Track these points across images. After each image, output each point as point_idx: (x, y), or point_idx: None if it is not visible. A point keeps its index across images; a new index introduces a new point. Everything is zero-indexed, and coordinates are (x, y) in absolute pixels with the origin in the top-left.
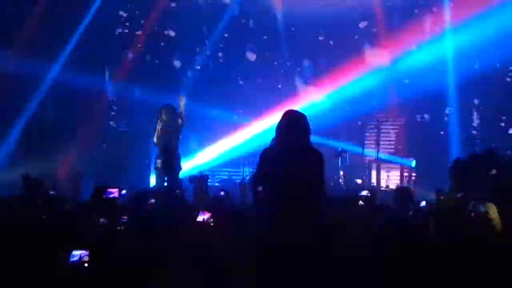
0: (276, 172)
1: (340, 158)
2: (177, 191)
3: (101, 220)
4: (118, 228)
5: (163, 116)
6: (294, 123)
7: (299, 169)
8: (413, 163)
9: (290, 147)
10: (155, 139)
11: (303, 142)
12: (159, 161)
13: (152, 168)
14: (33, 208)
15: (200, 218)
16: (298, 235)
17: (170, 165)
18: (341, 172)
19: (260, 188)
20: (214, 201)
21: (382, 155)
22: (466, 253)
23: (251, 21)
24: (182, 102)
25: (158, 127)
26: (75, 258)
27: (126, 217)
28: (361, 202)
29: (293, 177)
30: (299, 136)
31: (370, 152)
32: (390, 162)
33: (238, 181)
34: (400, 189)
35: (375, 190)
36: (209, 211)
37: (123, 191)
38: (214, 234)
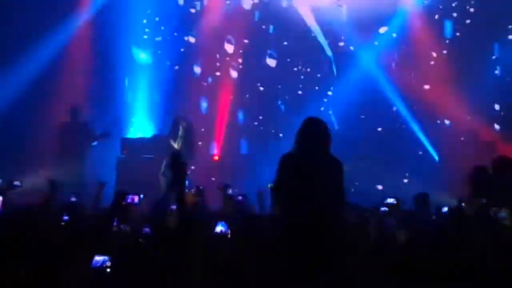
0: (296, 179)
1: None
2: (199, 198)
3: (122, 226)
4: (141, 240)
5: (181, 131)
6: (314, 131)
7: (319, 176)
8: None
9: (310, 154)
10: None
11: (323, 150)
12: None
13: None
14: (55, 213)
15: (218, 229)
16: (319, 243)
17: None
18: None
19: (280, 195)
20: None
21: None
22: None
23: (271, 26)
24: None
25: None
26: (97, 264)
27: (148, 229)
28: (385, 208)
29: (313, 185)
30: (319, 143)
31: None
32: None
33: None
34: (419, 195)
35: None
36: (227, 220)
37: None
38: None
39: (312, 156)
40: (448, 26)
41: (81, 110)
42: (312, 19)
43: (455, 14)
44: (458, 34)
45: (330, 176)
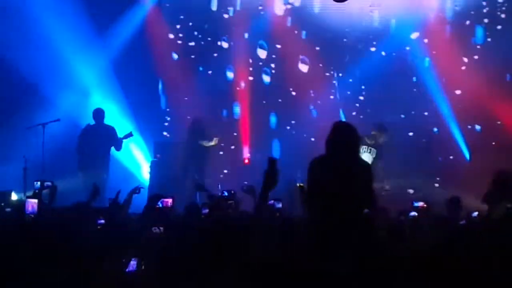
0: (326, 183)
1: None
2: (230, 201)
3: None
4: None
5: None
6: (344, 135)
7: (349, 180)
8: None
9: (340, 158)
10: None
11: (352, 154)
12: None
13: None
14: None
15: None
16: (348, 246)
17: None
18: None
19: (310, 199)
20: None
21: None
22: None
23: (303, 32)
24: (214, 143)
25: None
26: (132, 268)
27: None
28: (415, 213)
29: (342, 188)
30: (349, 147)
31: None
32: None
33: None
34: (451, 199)
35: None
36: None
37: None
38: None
39: (341, 160)
40: (479, 31)
41: (104, 113)
42: (344, 24)
43: (486, 20)
44: (489, 39)
45: (359, 180)
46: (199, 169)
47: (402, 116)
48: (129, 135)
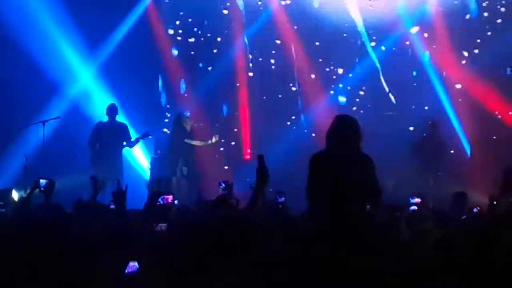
0: (327, 178)
1: None
2: (232, 200)
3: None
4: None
5: (185, 126)
6: (346, 128)
7: (350, 174)
8: None
9: (342, 152)
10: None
11: (355, 148)
12: (185, 168)
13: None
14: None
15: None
16: (353, 242)
17: (194, 172)
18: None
19: (311, 194)
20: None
21: None
22: None
23: (303, 27)
24: (213, 141)
25: (180, 135)
26: (131, 269)
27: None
28: (414, 207)
29: (343, 182)
30: (351, 141)
31: None
32: None
33: None
34: (457, 194)
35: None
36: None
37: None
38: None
39: (342, 154)
40: (479, 25)
41: (117, 110)
42: (344, 19)
43: (486, 14)
44: (489, 33)
45: (361, 174)
46: (187, 165)
47: (401, 110)
48: (146, 134)
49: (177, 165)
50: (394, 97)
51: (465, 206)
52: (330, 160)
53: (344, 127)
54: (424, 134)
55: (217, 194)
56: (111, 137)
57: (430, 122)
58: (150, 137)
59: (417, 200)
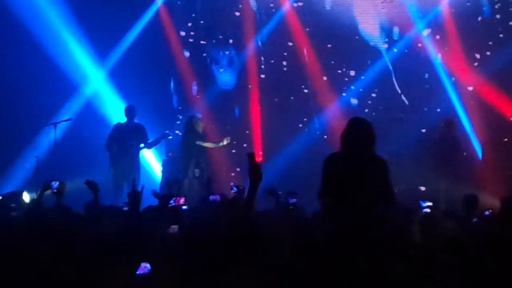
0: (343, 180)
1: None
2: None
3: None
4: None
5: (197, 128)
6: (360, 131)
7: (363, 175)
8: None
9: (356, 154)
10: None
11: (368, 150)
12: (197, 170)
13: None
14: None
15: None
16: (366, 244)
17: (206, 174)
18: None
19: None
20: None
21: None
22: None
23: (315, 29)
24: (225, 143)
25: (192, 137)
26: (142, 271)
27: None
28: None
29: (357, 184)
30: (365, 143)
31: None
32: None
33: None
34: (468, 196)
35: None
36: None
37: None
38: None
39: (356, 156)
40: (491, 27)
41: (135, 111)
42: (356, 22)
43: (498, 16)
44: (501, 35)
45: (375, 175)
46: (199, 167)
47: (413, 112)
48: (167, 135)
49: (190, 167)
50: (406, 99)
51: (476, 209)
52: (344, 161)
53: (358, 130)
54: (438, 134)
55: (230, 197)
56: (128, 138)
57: (446, 121)
58: (170, 137)
59: (428, 203)
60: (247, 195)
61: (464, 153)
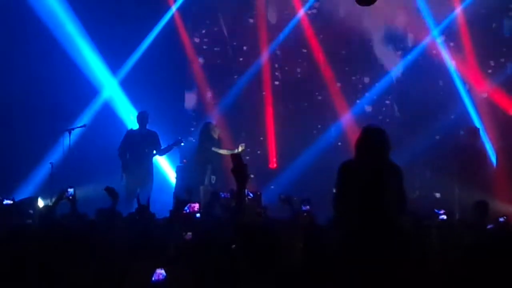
0: (358, 187)
1: None
2: (258, 209)
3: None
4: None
5: (213, 134)
6: (373, 139)
7: (378, 183)
8: None
9: (371, 161)
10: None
11: (383, 158)
12: (213, 177)
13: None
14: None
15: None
16: (381, 251)
17: (222, 180)
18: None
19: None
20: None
21: None
22: None
23: (329, 36)
24: (239, 150)
25: (208, 144)
26: (157, 277)
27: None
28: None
29: (372, 193)
30: (379, 151)
31: None
32: None
33: None
34: (478, 203)
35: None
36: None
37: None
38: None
39: (371, 164)
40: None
41: (148, 117)
42: (369, 28)
43: None
44: None
45: (389, 183)
46: (215, 174)
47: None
48: (179, 141)
49: (205, 173)
50: (420, 107)
51: (487, 215)
52: (359, 169)
53: (372, 137)
54: (461, 142)
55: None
56: (141, 145)
57: (469, 129)
58: (182, 144)
59: (443, 212)
60: (236, 200)
61: (488, 161)
